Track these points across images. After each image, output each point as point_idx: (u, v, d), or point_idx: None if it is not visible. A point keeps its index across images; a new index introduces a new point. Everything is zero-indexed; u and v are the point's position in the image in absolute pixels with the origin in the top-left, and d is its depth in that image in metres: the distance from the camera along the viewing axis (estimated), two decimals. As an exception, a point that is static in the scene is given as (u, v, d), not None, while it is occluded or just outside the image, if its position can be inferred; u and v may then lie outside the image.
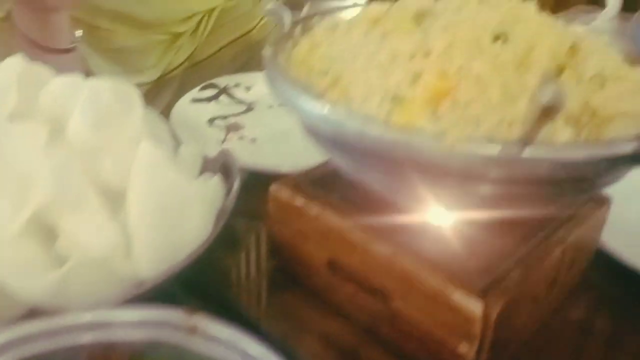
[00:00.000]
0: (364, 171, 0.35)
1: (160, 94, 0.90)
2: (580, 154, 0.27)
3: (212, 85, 0.74)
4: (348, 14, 0.45)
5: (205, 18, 0.85)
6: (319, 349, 0.40)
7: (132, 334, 0.32)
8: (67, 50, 0.66)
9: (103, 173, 0.37)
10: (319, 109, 0.31)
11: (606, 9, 0.91)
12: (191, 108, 0.69)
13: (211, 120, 0.68)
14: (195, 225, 0.39)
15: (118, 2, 0.77)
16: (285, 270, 0.46)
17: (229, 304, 0.44)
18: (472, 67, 0.30)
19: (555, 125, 0.30)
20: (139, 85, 0.86)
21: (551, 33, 0.35)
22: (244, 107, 0.72)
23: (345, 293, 0.42)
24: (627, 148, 0.28)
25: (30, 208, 0.34)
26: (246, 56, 0.93)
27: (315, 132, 0.34)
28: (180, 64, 0.89)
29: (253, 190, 0.47)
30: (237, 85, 0.75)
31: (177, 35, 0.85)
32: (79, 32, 0.69)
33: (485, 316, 0.34)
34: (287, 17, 0.41)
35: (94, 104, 0.38)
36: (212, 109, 0.70)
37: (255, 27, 0.92)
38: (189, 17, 0.83)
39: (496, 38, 0.32)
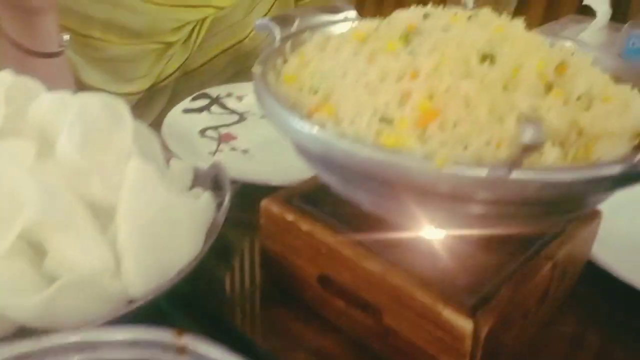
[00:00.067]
0: (353, 190, 0.35)
1: (152, 103, 0.90)
2: (567, 176, 0.27)
3: (204, 96, 0.74)
4: (339, 29, 0.45)
5: (197, 27, 0.85)
6: (311, 365, 0.40)
7: (121, 354, 0.31)
8: (54, 54, 0.66)
9: (92, 191, 0.37)
10: (307, 129, 0.31)
11: (595, 20, 0.92)
12: (183, 119, 0.69)
13: (203, 131, 0.68)
14: (185, 242, 0.39)
15: (109, 12, 0.76)
16: (277, 285, 0.46)
17: (220, 320, 0.44)
18: (459, 88, 0.30)
19: (543, 146, 0.30)
20: (131, 94, 0.86)
21: (539, 51, 0.35)
22: (236, 118, 0.72)
23: (337, 308, 0.42)
24: (614, 170, 0.28)
25: (18, 227, 0.34)
26: (238, 65, 0.93)
27: (305, 151, 0.34)
28: (172, 73, 0.88)
29: (245, 201, 0.47)
30: (229, 95, 0.75)
31: (169, 45, 0.84)
32: (66, 36, 0.68)
33: (475, 333, 0.34)
34: (277, 33, 0.41)
35: (83, 121, 0.38)
36: (203, 119, 0.70)
37: (247, 36, 0.92)
38: (181, 27, 0.83)
39: (484, 58, 0.32)
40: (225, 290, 0.47)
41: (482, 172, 0.27)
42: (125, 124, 0.42)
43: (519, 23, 0.39)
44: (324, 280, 0.42)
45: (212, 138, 0.67)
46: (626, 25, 0.75)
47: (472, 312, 0.34)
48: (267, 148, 0.65)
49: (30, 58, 0.64)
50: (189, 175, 0.47)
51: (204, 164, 0.53)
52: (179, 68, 0.89)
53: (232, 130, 0.69)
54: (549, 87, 0.34)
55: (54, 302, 0.34)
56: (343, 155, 0.29)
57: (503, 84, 0.32)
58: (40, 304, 0.34)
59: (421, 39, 0.35)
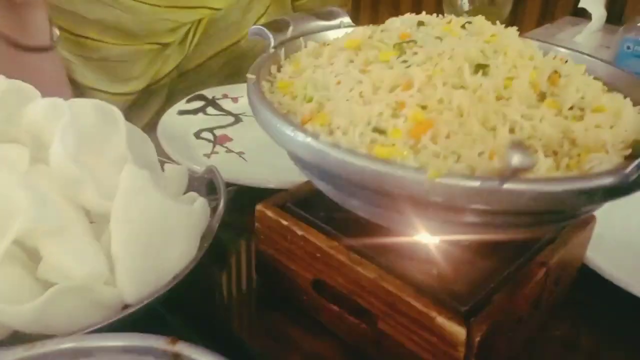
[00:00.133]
0: (346, 198, 0.35)
1: (148, 104, 0.90)
2: (559, 187, 0.27)
3: (200, 97, 0.74)
4: (333, 35, 0.45)
5: (193, 29, 0.85)
6: (305, 369, 0.41)
7: (115, 361, 0.32)
8: (45, 49, 0.65)
9: (86, 197, 0.37)
10: (300, 139, 0.31)
11: (591, 23, 0.93)
12: (178, 120, 0.69)
13: (198, 133, 0.68)
14: (180, 247, 0.39)
15: (105, 13, 0.76)
16: (272, 289, 0.47)
17: (215, 324, 0.44)
18: (453, 99, 0.30)
19: (535, 157, 0.30)
20: (126, 94, 0.86)
21: (532, 61, 0.35)
22: (231, 119, 0.72)
23: (331, 313, 0.42)
24: (606, 181, 0.28)
25: (12, 235, 0.34)
26: (234, 66, 0.93)
27: (298, 160, 0.34)
28: (168, 74, 0.88)
29: (241, 204, 0.47)
30: (224, 96, 0.75)
31: (164, 46, 0.84)
32: (56, 31, 0.68)
33: (469, 340, 0.34)
34: (271, 39, 0.42)
35: (76, 127, 0.38)
36: (199, 121, 0.70)
37: (243, 36, 0.92)
38: (176, 28, 0.82)
39: (477, 68, 0.33)
40: (221, 294, 0.47)
41: (475, 184, 0.27)
42: (119, 129, 0.42)
43: (513, 31, 0.39)
44: (319, 285, 0.42)
45: (207, 140, 0.67)
46: (621, 28, 0.75)
47: (465, 319, 0.34)
48: (262, 150, 0.65)
49: (21, 53, 0.63)
50: (183, 179, 0.47)
51: (199, 167, 0.53)
52: (174, 69, 0.89)
53: (228, 132, 0.69)
54: (541, 97, 0.34)
55: (48, 308, 0.34)
56: (336, 165, 0.30)
57: (496, 95, 0.32)
58: (34, 310, 0.34)
59: (415, 48, 0.35)
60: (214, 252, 0.43)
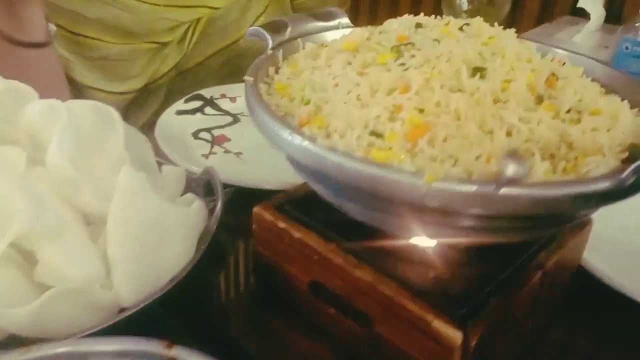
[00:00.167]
0: (343, 201, 0.35)
1: (147, 103, 0.90)
2: (556, 191, 0.27)
3: (198, 97, 0.74)
4: (332, 35, 0.45)
5: (192, 28, 0.85)
6: (302, 371, 0.41)
7: (111, 365, 0.32)
8: (41, 45, 0.65)
9: (83, 199, 0.37)
10: (298, 142, 0.31)
11: (589, 23, 0.93)
12: (176, 120, 0.69)
13: (196, 133, 0.67)
14: (177, 250, 0.39)
15: (103, 11, 0.76)
16: (270, 291, 0.47)
17: (212, 326, 0.44)
18: (450, 103, 0.30)
19: (532, 160, 0.30)
20: (124, 93, 0.86)
21: (530, 63, 0.35)
22: (229, 119, 0.71)
23: (328, 315, 0.42)
24: (603, 185, 0.28)
25: (9, 238, 0.33)
26: (233, 65, 0.93)
27: (295, 162, 0.34)
28: (166, 73, 0.88)
29: (239, 205, 0.47)
30: (222, 96, 0.75)
31: (163, 45, 0.84)
32: (52, 26, 0.68)
33: (465, 344, 0.34)
34: (269, 41, 0.41)
35: (74, 128, 0.38)
36: (197, 121, 0.70)
37: (242, 35, 0.92)
38: (175, 27, 0.82)
39: (474, 71, 0.33)
40: (218, 296, 0.47)
41: (471, 188, 0.27)
42: (116, 130, 0.42)
43: (511, 33, 0.39)
44: (316, 288, 0.42)
45: (205, 140, 0.66)
46: (619, 28, 0.75)
47: (461, 323, 0.34)
48: (260, 150, 0.64)
49: (17, 48, 0.63)
50: (181, 181, 0.47)
51: (197, 168, 0.53)
52: (173, 68, 0.89)
53: (226, 132, 0.69)
54: (539, 100, 0.34)
55: (45, 311, 0.34)
56: (333, 169, 0.29)
57: (493, 98, 0.32)
58: (30, 314, 0.34)
59: (412, 51, 0.35)
60: (212, 253, 0.43)
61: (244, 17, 0.91)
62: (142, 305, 0.36)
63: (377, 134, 0.30)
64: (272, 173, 0.56)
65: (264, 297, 0.47)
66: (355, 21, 0.47)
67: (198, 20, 0.85)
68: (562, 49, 0.45)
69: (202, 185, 0.49)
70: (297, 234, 0.41)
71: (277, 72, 0.40)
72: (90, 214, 0.38)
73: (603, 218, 0.46)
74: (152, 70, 0.87)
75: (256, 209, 0.43)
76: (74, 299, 0.34)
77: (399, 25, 0.40)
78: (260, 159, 0.63)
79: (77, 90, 0.80)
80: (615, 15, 1.07)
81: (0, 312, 0.34)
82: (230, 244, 0.53)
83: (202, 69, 0.92)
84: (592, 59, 0.44)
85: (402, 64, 0.34)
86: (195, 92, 0.75)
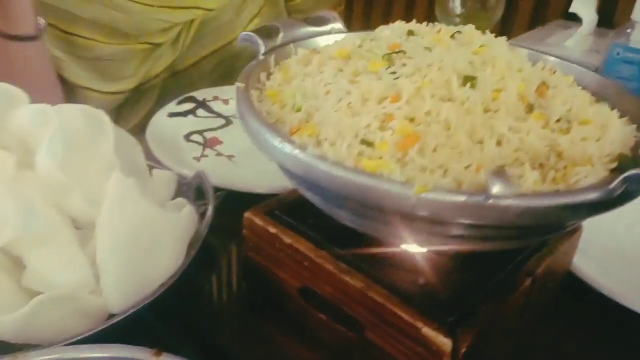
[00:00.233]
0: (334, 209, 0.35)
1: (140, 104, 0.89)
2: (545, 202, 0.27)
3: (190, 99, 0.74)
4: (324, 41, 0.45)
5: (186, 29, 0.85)
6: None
7: (100, 372, 0.31)
8: (30, 38, 0.64)
9: (73, 205, 0.37)
10: (288, 150, 0.31)
11: (582, 27, 0.93)
12: (168, 123, 0.68)
13: (188, 136, 0.67)
14: (167, 256, 0.39)
15: (97, 12, 0.76)
16: (260, 296, 0.46)
17: (202, 331, 0.44)
18: (440, 112, 0.30)
19: (522, 170, 0.30)
20: (117, 93, 0.85)
21: (520, 72, 0.35)
22: (222, 122, 0.71)
23: (319, 321, 0.42)
24: (591, 197, 0.28)
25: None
26: (227, 67, 0.92)
27: (286, 171, 0.34)
28: (160, 74, 0.88)
29: (231, 209, 0.47)
30: (215, 98, 0.75)
31: (157, 46, 0.84)
32: (42, 21, 0.67)
33: (454, 351, 0.34)
34: (261, 46, 0.41)
35: (64, 134, 0.38)
36: (189, 123, 0.70)
37: (236, 37, 0.91)
38: (169, 28, 0.82)
39: (465, 81, 0.33)
40: (209, 301, 0.47)
41: (460, 199, 0.27)
42: (107, 135, 0.42)
43: (502, 41, 0.39)
44: (307, 293, 0.42)
45: (197, 143, 0.66)
46: (611, 34, 0.76)
47: (451, 330, 0.34)
48: (252, 154, 0.63)
49: (6, 42, 0.62)
50: (172, 185, 0.47)
51: (188, 172, 0.53)
52: (166, 69, 0.88)
53: (218, 134, 0.68)
54: (529, 109, 0.34)
55: (33, 318, 0.34)
56: (323, 178, 0.30)
57: (484, 107, 0.32)
58: (19, 320, 0.33)
59: (404, 60, 0.35)
60: (203, 258, 0.43)
61: (238, 19, 0.90)
62: (131, 312, 0.36)
63: (368, 143, 0.30)
64: (264, 177, 0.56)
65: (255, 302, 0.47)
66: (349, 23, 0.47)
67: (192, 21, 0.84)
68: (554, 56, 0.45)
69: (194, 189, 0.49)
70: (287, 239, 0.41)
71: (269, 78, 0.40)
72: (80, 219, 0.38)
73: (593, 224, 0.46)
74: (146, 71, 0.86)
75: (247, 215, 0.43)
76: (63, 305, 0.34)
77: (391, 33, 0.40)
78: (252, 162, 0.63)
79: (70, 90, 0.80)
80: (607, 19, 1.08)
81: (-11, 319, 0.33)
82: (221, 249, 0.52)
83: (195, 70, 0.92)
84: (583, 67, 0.44)
85: (394, 73, 0.34)
86: (188, 95, 0.74)
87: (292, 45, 0.43)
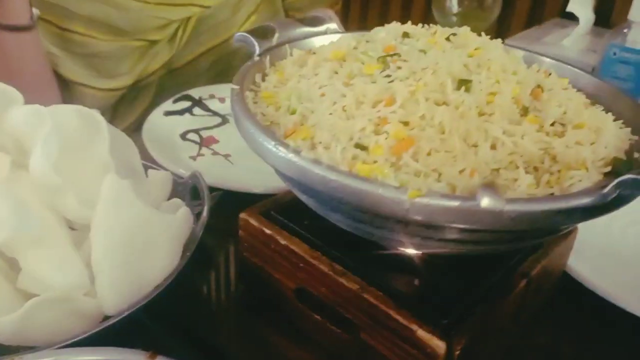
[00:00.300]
0: (328, 212, 0.35)
1: (136, 100, 0.89)
2: (538, 207, 0.28)
3: (186, 97, 0.73)
4: (320, 41, 0.45)
5: (182, 26, 0.84)
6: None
7: (94, 375, 0.31)
8: (23, 28, 0.64)
9: (67, 207, 0.37)
10: (282, 154, 0.31)
11: (578, 26, 0.93)
12: (164, 121, 0.68)
13: (184, 134, 0.67)
14: (162, 257, 0.39)
15: (93, 8, 0.75)
16: (256, 296, 0.47)
17: (198, 332, 0.44)
18: (434, 116, 0.30)
19: (516, 173, 0.30)
20: (113, 90, 0.85)
21: (515, 75, 0.35)
22: (218, 120, 0.71)
23: (314, 322, 0.42)
24: (585, 201, 0.28)
25: (-8, 245, 0.33)
26: (223, 64, 0.92)
27: (280, 173, 0.34)
28: (156, 71, 0.87)
29: (226, 208, 0.47)
30: (211, 96, 0.75)
31: (153, 43, 0.83)
32: (36, 10, 0.67)
33: (449, 353, 0.34)
34: (256, 47, 0.41)
35: (59, 134, 0.38)
36: (185, 121, 0.70)
37: (233, 34, 0.91)
38: (165, 25, 0.81)
39: (460, 84, 0.33)
40: (205, 301, 0.47)
41: (454, 203, 0.27)
42: (102, 136, 0.41)
43: (497, 43, 0.39)
44: (302, 294, 0.42)
45: (193, 141, 0.66)
46: (607, 33, 0.76)
47: (445, 333, 0.34)
48: (249, 153, 0.63)
49: (0, 32, 0.62)
50: (167, 185, 0.47)
51: (184, 171, 0.53)
52: (163, 66, 0.88)
53: (214, 133, 0.68)
54: (524, 112, 0.34)
55: (28, 319, 0.34)
56: (317, 182, 0.29)
57: (478, 110, 0.32)
58: (14, 322, 0.33)
59: (399, 62, 0.35)
60: (199, 259, 0.43)
61: (235, 16, 0.90)
62: (125, 314, 0.36)
63: (362, 147, 0.30)
64: (261, 176, 0.55)
65: (250, 303, 0.47)
66: (346, 21, 0.47)
67: (189, 18, 0.84)
68: (550, 57, 0.45)
69: (189, 189, 0.49)
70: (283, 240, 0.41)
71: (264, 79, 0.40)
72: (75, 220, 0.38)
73: (588, 224, 0.45)
74: (142, 68, 0.86)
75: (242, 215, 0.43)
76: (58, 307, 0.34)
77: (386, 34, 0.40)
78: (248, 161, 0.63)
79: (65, 86, 0.79)
80: (604, 18, 1.08)
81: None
82: (217, 249, 0.52)
83: (192, 68, 0.91)
84: (579, 67, 0.44)
85: (388, 76, 0.34)
86: (184, 93, 0.74)
87: (287, 46, 0.43)
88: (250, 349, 0.43)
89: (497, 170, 0.31)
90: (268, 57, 0.42)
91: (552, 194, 0.30)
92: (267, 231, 0.42)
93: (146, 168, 0.49)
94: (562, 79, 0.40)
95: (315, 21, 0.46)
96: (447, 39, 0.39)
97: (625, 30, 0.73)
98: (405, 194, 0.27)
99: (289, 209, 0.44)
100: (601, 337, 0.46)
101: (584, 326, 0.47)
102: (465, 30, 0.40)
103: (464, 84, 0.32)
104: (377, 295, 0.37)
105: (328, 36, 0.45)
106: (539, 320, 0.47)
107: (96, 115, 0.42)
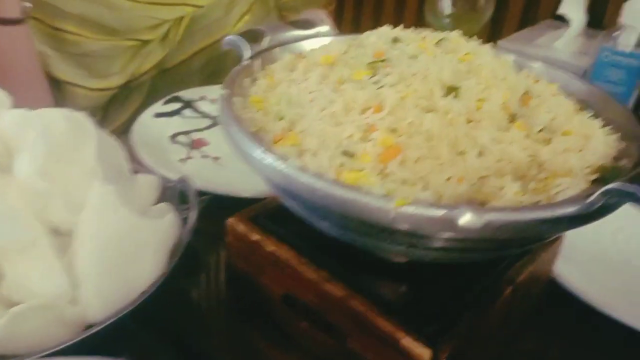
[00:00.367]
0: (315, 220, 0.35)
1: (128, 100, 0.89)
2: (524, 216, 0.27)
3: (177, 99, 0.73)
4: (310, 44, 0.45)
5: (175, 26, 0.84)
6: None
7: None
8: (13, 21, 0.63)
9: (53, 213, 0.37)
10: (269, 161, 0.30)
11: (570, 28, 0.93)
12: (153, 123, 0.68)
13: (174, 137, 0.66)
14: (149, 263, 0.39)
15: (85, 8, 0.75)
16: (244, 302, 0.46)
17: (185, 338, 0.44)
18: (422, 123, 0.30)
19: (503, 181, 0.30)
20: (104, 89, 0.84)
21: (504, 81, 0.35)
22: (208, 122, 0.71)
23: (301, 328, 0.42)
24: (570, 210, 0.28)
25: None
26: (215, 65, 0.91)
27: (268, 180, 0.34)
28: (148, 71, 0.87)
29: (215, 212, 0.46)
30: (202, 98, 0.74)
31: (145, 42, 0.83)
32: (27, 4, 0.66)
33: (434, 361, 0.34)
34: (246, 50, 0.41)
35: (46, 139, 0.37)
36: (175, 123, 0.69)
37: (226, 34, 0.90)
38: (158, 25, 0.81)
39: (449, 91, 0.32)
40: (193, 307, 0.47)
41: (439, 213, 0.27)
42: (89, 140, 0.41)
43: (487, 48, 0.39)
44: (289, 300, 0.42)
45: (183, 144, 0.66)
46: (599, 36, 0.76)
47: (430, 341, 0.34)
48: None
49: None
50: (155, 189, 0.47)
51: (172, 175, 0.52)
52: (155, 66, 0.87)
53: (204, 135, 0.68)
54: (512, 118, 0.34)
55: (11, 327, 0.33)
56: (303, 190, 0.29)
57: (467, 117, 0.32)
58: (-3, 330, 0.33)
59: (388, 68, 0.34)
60: (187, 264, 0.43)
61: (228, 16, 0.89)
62: (111, 320, 0.35)
63: (350, 154, 0.30)
64: (250, 180, 0.55)
65: (239, 308, 0.46)
66: (340, 22, 0.47)
67: (181, 18, 0.84)
68: (541, 61, 0.45)
69: (177, 193, 0.49)
70: (270, 246, 0.41)
71: (253, 83, 0.40)
72: (61, 227, 0.38)
73: (578, 230, 0.46)
74: (134, 67, 0.85)
75: (230, 220, 0.43)
76: (41, 315, 0.34)
77: (377, 39, 0.40)
78: (238, 164, 0.62)
79: (56, 86, 0.79)
80: (597, 19, 1.08)
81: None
82: (206, 254, 0.52)
83: (184, 68, 0.91)
84: (571, 71, 0.44)
85: (377, 82, 0.33)
86: (174, 94, 0.74)
87: (277, 49, 0.43)
88: (238, 355, 0.43)
89: (485, 177, 0.31)
90: (258, 61, 0.41)
91: (538, 201, 0.30)
92: (254, 237, 0.42)
93: (134, 171, 0.48)
94: (551, 84, 0.40)
95: (307, 24, 0.46)
96: (437, 44, 0.39)
97: (616, 33, 0.73)
98: (390, 203, 0.27)
99: (276, 215, 0.43)
100: (589, 343, 0.46)
101: (572, 332, 0.47)
102: (455, 35, 0.40)
103: (452, 90, 0.32)
104: (363, 302, 0.36)
105: (319, 39, 0.45)
106: (526, 327, 0.47)
107: (84, 119, 0.42)
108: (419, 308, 0.37)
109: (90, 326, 0.36)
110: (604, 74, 0.74)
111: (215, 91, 0.75)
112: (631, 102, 0.76)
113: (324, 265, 0.38)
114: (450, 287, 0.39)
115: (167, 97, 0.72)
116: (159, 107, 0.70)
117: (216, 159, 0.64)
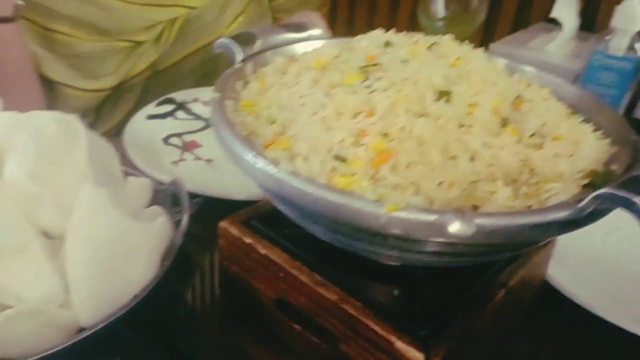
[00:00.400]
0: (307, 224, 0.35)
1: (121, 101, 0.88)
2: (514, 222, 0.27)
3: (169, 101, 0.73)
4: (303, 48, 0.45)
5: (169, 27, 0.83)
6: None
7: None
8: (6, 20, 0.63)
9: (44, 216, 0.36)
10: (260, 165, 0.30)
11: (563, 32, 0.94)
12: (146, 125, 0.67)
13: (167, 138, 0.66)
14: (141, 266, 0.38)
15: (78, 8, 0.74)
16: (236, 305, 0.46)
17: (177, 341, 0.43)
18: (414, 128, 0.30)
19: (494, 185, 0.30)
20: (97, 91, 0.84)
21: (496, 86, 0.35)
22: (201, 124, 0.70)
23: (294, 332, 0.42)
24: (561, 215, 0.28)
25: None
26: (208, 66, 0.91)
27: (260, 184, 0.34)
28: (141, 72, 0.87)
29: (208, 215, 0.46)
30: (195, 100, 0.74)
31: (138, 43, 0.83)
32: (19, 1, 0.66)
33: (427, 364, 0.34)
34: (238, 53, 0.41)
35: (37, 142, 0.37)
36: (168, 125, 0.69)
37: (220, 36, 0.90)
38: (151, 26, 0.81)
39: (440, 95, 0.32)
40: (185, 311, 0.47)
41: (430, 218, 0.27)
42: (80, 143, 0.41)
43: (479, 53, 0.39)
44: (282, 304, 0.42)
45: (176, 146, 0.65)
46: (592, 39, 0.76)
47: (423, 344, 0.34)
48: None
49: None
50: (147, 192, 0.47)
51: (166, 177, 0.52)
52: (148, 67, 0.87)
53: (197, 137, 0.68)
54: (504, 123, 0.34)
55: (2, 332, 0.33)
56: (295, 194, 0.29)
57: (458, 122, 0.32)
58: (-14, 334, 0.33)
59: (379, 73, 0.34)
60: (179, 267, 0.43)
61: (221, 17, 0.89)
62: (102, 325, 0.35)
63: (341, 159, 0.30)
64: (243, 182, 0.55)
65: (231, 312, 0.46)
66: (333, 25, 0.47)
67: (175, 19, 0.83)
68: (532, 66, 0.45)
69: (170, 196, 0.49)
70: (263, 250, 0.41)
71: (245, 86, 0.40)
72: (52, 230, 0.38)
73: (569, 233, 0.46)
74: (127, 68, 0.85)
75: (222, 224, 0.43)
76: (32, 319, 0.33)
77: (369, 43, 0.40)
78: (231, 166, 0.62)
79: (49, 87, 0.78)
80: (589, 22, 1.09)
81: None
82: (198, 257, 0.52)
83: (178, 69, 0.91)
84: (563, 75, 0.44)
85: (369, 86, 0.33)
86: (167, 96, 0.74)
87: (269, 52, 0.43)
88: (230, 359, 0.43)
89: (476, 182, 0.31)
90: (250, 64, 0.41)
91: (530, 206, 0.30)
92: (247, 240, 0.42)
93: (126, 174, 0.48)
94: (543, 89, 0.40)
95: (299, 27, 0.46)
96: (429, 48, 0.39)
97: (608, 37, 0.73)
98: (382, 208, 0.27)
99: (269, 218, 0.43)
100: (582, 345, 0.46)
101: (565, 335, 0.47)
102: (447, 39, 0.40)
103: (444, 95, 0.32)
104: (356, 305, 0.36)
105: (311, 42, 0.45)
106: (519, 329, 0.47)
107: (74, 121, 0.41)
108: (412, 311, 0.37)
109: (82, 330, 0.36)
110: (596, 77, 0.74)
111: (208, 93, 0.75)
112: (623, 105, 0.77)
113: (316, 269, 0.38)
114: (443, 290, 0.39)
115: (160, 99, 0.72)
116: (151, 108, 0.70)
117: (209, 161, 0.63)
